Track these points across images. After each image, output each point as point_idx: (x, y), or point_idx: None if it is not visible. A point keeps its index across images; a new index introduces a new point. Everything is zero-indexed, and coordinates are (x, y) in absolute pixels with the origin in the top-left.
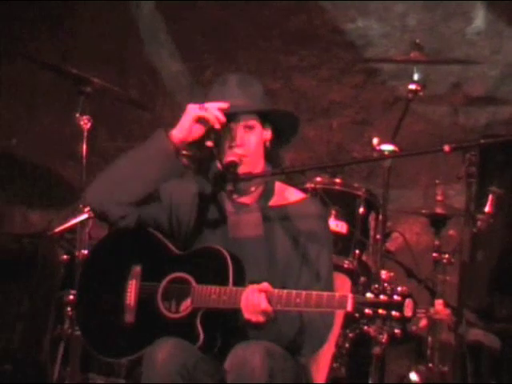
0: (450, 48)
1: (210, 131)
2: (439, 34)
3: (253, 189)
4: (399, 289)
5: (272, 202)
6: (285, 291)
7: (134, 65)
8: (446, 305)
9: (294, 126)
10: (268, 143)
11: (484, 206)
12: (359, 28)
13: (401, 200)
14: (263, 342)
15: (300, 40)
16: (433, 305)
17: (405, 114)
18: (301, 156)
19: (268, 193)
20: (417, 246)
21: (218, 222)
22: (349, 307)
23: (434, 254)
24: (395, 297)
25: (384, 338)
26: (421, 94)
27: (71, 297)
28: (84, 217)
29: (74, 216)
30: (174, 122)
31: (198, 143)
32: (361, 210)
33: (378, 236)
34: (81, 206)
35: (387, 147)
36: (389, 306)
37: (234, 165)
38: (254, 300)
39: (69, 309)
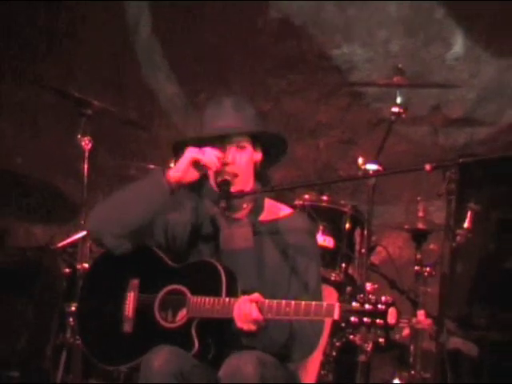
0: (431, 72)
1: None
2: (420, 59)
3: (244, 205)
4: (383, 298)
5: (262, 217)
6: (275, 301)
7: (132, 87)
8: (428, 315)
9: (283, 147)
10: (258, 164)
11: (463, 221)
12: (344, 53)
13: (384, 216)
14: (255, 352)
15: (289, 65)
16: (415, 315)
17: (388, 135)
18: (290, 174)
19: (258, 209)
20: (399, 259)
21: (211, 236)
22: (336, 315)
23: (416, 267)
24: (379, 306)
25: (369, 346)
26: (403, 115)
27: (73, 308)
28: (85, 232)
29: (76, 231)
30: (169, 140)
31: None
32: (347, 225)
33: (363, 250)
34: (82, 222)
35: (371, 166)
36: (373, 314)
37: (226, 183)
38: (245, 310)
39: (71, 319)
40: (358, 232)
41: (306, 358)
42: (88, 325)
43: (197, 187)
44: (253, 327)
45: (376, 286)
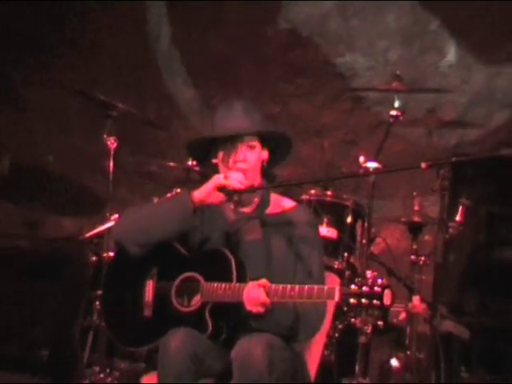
0: (426, 79)
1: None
2: (416, 66)
3: (253, 200)
4: (379, 281)
5: (269, 211)
6: (281, 285)
7: (153, 91)
8: (422, 300)
9: (288, 147)
10: (265, 162)
11: (455, 215)
12: (347, 61)
13: (383, 210)
14: (265, 335)
15: (296, 71)
16: (411, 300)
17: (387, 136)
18: (297, 171)
19: (265, 203)
20: (397, 249)
21: (222, 229)
22: (336, 297)
23: (412, 257)
24: (376, 288)
25: (368, 328)
26: (401, 118)
27: (98, 293)
28: (110, 224)
29: (102, 223)
30: (186, 140)
31: (204, 161)
32: (349, 218)
33: (364, 241)
34: (107, 214)
35: (371, 164)
36: (370, 296)
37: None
38: (254, 294)
39: (96, 303)
40: (359, 224)
41: (310, 338)
42: (111, 309)
43: None
44: (261, 310)
45: (375, 273)
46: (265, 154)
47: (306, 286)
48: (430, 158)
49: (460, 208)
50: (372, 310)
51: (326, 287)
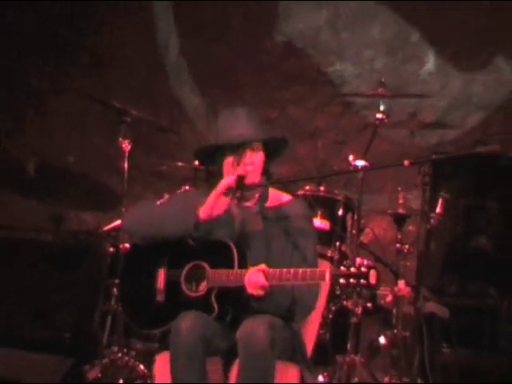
0: (408, 85)
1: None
2: (399, 74)
3: (255, 195)
4: (365, 262)
5: (268, 204)
6: (277, 270)
7: (163, 99)
8: (407, 284)
9: (284, 147)
10: (264, 161)
11: (435, 207)
12: (337, 70)
13: (371, 203)
14: (266, 317)
15: (291, 79)
16: (397, 284)
17: (374, 137)
18: (293, 169)
19: (264, 197)
20: (384, 238)
21: (227, 222)
22: (327, 278)
23: (397, 245)
24: (362, 269)
25: (359, 310)
26: (386, 121)
27: (116, 281)
28: None
29: (118, 217)
30: (194, 143)
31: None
32: (340, 211)
33: (354, 231)
34: (123, 209)
35: (360, 162)
36: (357, 276)
37: (241, 177)
38: (254, 278)
39: (114, 289)
40: (349, 216)
41: (306, 318)
42: (128, 295)
43: (215, 183)
44: (261, 292)
45: (364, 260)
46: (263, 154)
47: (301, 270)
48: (413, 157)
49: (440, 201)
50: (360, 289)
51: (317, 270)
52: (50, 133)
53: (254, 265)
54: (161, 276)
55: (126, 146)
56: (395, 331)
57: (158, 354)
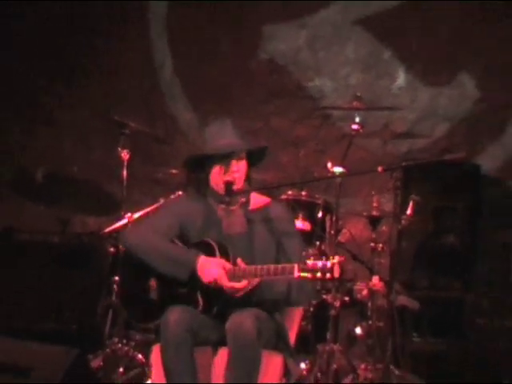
0: (381, 99)
1: None
2: (373, 89)
3: (241, 199)
4: (331, 258)
5: (251, 207)
6: (253, 266)
7: (159, 113)
8: (381, 279)
9: (264, 156)
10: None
11: (406, 209)
12: (316, 85)
13: (348, 206)
14: (253, 310)
15: (275, 93)
16: (371, 280)
17: (350, 146)
18: (277, 176)
19: (247, 201)
20: (360, 238)
21: (213, 224)
22: (295, 272)
23: (372, 244)
24: (328, 263)
25: (338, 303)
26: (361, 131)
27: (116, 278)
28: (124, 221)
29: (118, 220)
30: (186, 152)
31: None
32: (320, 213)
33: (333, 232)
34: (122, 213)
35: (338, 169)
36: (323, 270)
37: (230, 183)
38: (208, 267)
39: (115, 286)
40: (328, 218)
41: (306, 303)
42: (127, 292)
43: (202, 189)
44: (239, 294)
45: (342, 258)
46: (246, 163)
47: (272, 266)
48: (386, 163)
49: (411, 203)
50: (325, 282)
51: (287, 265)
52: (57, 145)
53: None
54: (155, 275)
55: (125, 155)
56: (370, 322)
57: (155, 345)
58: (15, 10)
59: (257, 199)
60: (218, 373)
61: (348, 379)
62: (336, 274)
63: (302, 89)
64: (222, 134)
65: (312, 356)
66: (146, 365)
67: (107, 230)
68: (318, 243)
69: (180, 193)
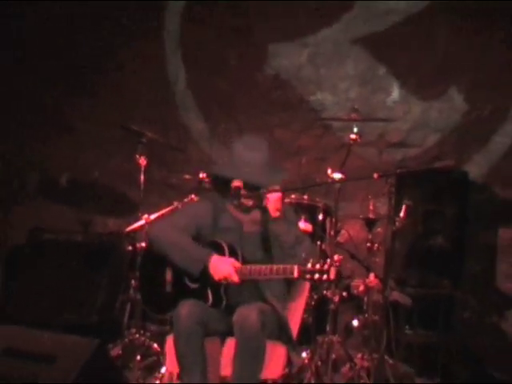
0: (377, 111)
1: None
2: (370, 102)
3: (250, 202)
4: (328, 261)
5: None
6: (258, 266)
7: (173, 123)
8: (376, 277)
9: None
10: None
11: (399, 212)
12: (318, 99)
13: (346, 209)
14: (258, 304)
15: (279, 106)
16: (368, 277)
17: (348, 154)
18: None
19: (265, 203)
20: (357, 239)
21: (229, 224)
22: (295, 273)
23: (368, 244)
24: (325, 266)
25: (336, 298)
26: (358, 141)
27: (134, 274)
28: (142, 222)
29: (136, 221)
30: (198, 158)
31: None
32: (320, 216)
33: (332, 233)
34: (139, 214)
35: (337, 175)
36: (321, 272)
37: (239, 188)
38: (221, 266)
39: (133, 281)
40: (328, 220)
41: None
42: (144, 286)
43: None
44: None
45: (341, 257)
46: None
47: (275, 266)
48: (381, 171)
49: (403, 207)
50: (322, 283)
51: (288, 266)
52: (79, 152)
53: (250, 263)
54: (169, 270)
55: (143, 161)
56: (366, 316)
57: (169, 335)
58: (17, 9)
59: (273, 203)
60: (225, 361)
61: (346, 368)
62: (332, 277)
63: (304, 102)
64: (250, 163)
65: (313, 346)
66: (160, 353)
67: (126, 230)
68: (318, 243)
69: (193, 196)
